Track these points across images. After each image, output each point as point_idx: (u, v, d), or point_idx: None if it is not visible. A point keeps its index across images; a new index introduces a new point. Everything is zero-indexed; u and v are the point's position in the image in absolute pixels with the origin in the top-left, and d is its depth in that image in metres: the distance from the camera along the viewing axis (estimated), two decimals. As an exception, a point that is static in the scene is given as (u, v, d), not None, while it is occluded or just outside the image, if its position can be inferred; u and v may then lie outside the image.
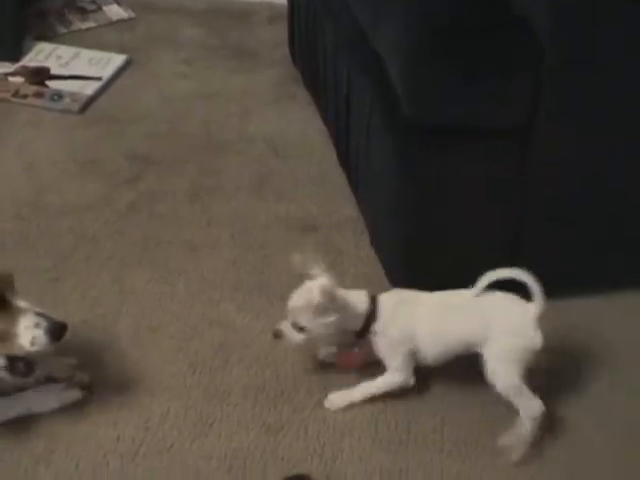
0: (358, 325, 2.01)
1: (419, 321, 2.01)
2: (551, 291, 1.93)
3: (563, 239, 2.23)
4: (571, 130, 2.05)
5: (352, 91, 2.43)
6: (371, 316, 2.00)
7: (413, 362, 2.04)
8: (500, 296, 1.98)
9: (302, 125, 3.02)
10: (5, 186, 2.76)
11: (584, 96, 1.99)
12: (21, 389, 2.03)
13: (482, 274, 1.95)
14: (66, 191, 2.73)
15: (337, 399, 2.07)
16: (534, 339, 1.93)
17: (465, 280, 2.00)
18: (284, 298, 2.30)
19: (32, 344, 1.86)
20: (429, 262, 2.24)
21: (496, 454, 1.97)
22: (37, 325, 1.85)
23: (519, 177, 2.10)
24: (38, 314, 1.87)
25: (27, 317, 1.85)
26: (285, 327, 2.03)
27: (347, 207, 2.63)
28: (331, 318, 1.96)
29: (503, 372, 1.94)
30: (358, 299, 2.01)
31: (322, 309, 1.94)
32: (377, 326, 2.00)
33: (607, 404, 2.10)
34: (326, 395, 2.08)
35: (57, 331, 1.87)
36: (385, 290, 2.13)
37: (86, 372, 2.10)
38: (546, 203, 2.17)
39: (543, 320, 1.94)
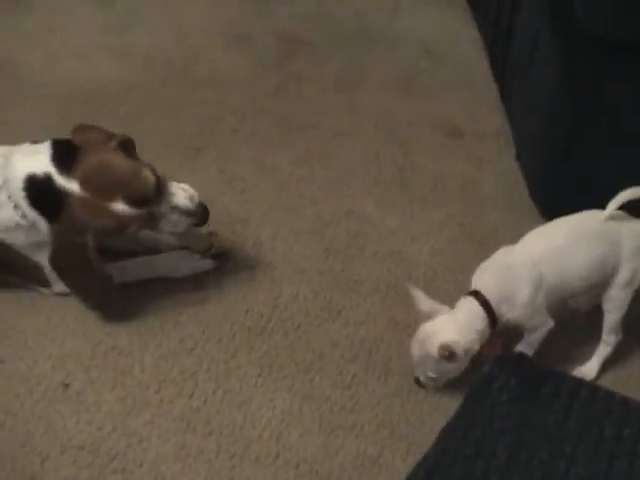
0: (486, 336, 1.84)
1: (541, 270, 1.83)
2: None
3: None
4: None
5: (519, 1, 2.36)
6: (492, 321, 1.82)
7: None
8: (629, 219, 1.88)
9: (455, 30, 2.96)
10: (158, 50, 2.77)
11: None
12: (152, 251, 2.07)
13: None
14: (215, 62, 2.73)
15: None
16: None
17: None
18: (424, 198, 2.30)
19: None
20: (574, 184, 2.18)
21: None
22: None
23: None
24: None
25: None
26: (420, 374, 1.87)
27: (494, 117, 2.58)
28: (458, 364, 1.81)
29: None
30: (473, 318, 1.81)
31: (445, 360, 1.78)
32: (509, 315, 1.84)
33: None
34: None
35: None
36: (524, 203, 2.11)
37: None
38: None
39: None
